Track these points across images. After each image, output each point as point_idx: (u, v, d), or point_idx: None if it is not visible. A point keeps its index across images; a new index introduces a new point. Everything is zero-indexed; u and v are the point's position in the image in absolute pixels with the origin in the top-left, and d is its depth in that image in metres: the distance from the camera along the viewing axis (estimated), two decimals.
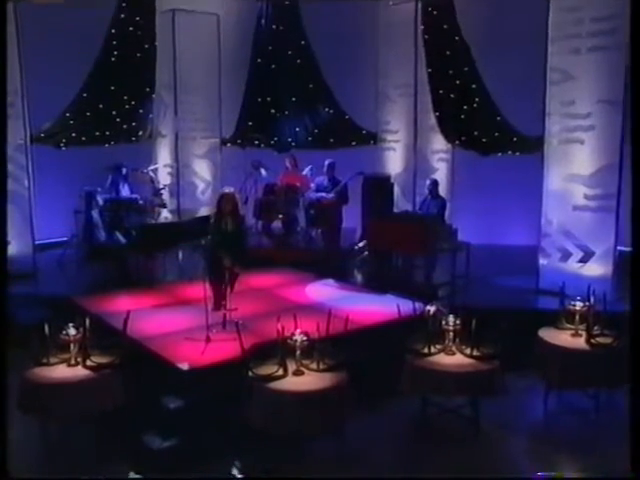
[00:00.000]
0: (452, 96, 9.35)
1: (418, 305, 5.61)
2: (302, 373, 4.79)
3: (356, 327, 5.68)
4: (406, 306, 5.66)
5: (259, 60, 10.42)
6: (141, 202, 9.16)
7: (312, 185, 9.44)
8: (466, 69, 9.26)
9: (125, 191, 9.28)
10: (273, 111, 10.51)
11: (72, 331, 4.96)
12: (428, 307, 5.50)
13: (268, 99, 10.49)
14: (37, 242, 8.59)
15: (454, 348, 5.22)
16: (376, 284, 7.58)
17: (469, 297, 7.25)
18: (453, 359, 5.16)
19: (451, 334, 5.22)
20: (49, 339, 4.93)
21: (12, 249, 7.91)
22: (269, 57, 10.34)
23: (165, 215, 10.08)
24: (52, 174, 8.94)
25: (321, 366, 4.82)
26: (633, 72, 4.73)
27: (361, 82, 10.07)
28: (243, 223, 6.43)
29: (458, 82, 9.30)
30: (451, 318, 5.23)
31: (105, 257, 8.25)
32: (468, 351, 5.15)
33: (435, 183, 8.62)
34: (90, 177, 9.01)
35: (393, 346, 5.30)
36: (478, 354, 5.10)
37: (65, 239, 8.94)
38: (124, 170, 9.29)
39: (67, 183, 9.04)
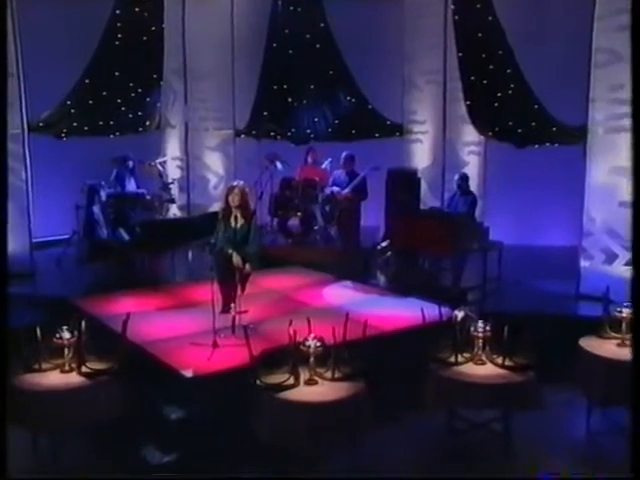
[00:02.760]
0: (485, 82, 9.21)
1: (445, 310, 5.55)
2: (315, 382, 4.71)
3: (376, 333, 5.65)
4: (432, 311, 5.58)
5: (275, 45, 10.34)
6: (148, 197, 9.16)
7: (331, 179, 9.40)
8: (500, 52, 9.09)
9: (131, 185, 9.26)
10: (290, 100, 10.45)
11: (66, 334, 4.91)
12: (456, 312, 5.44)
13: (285, 87, 10.40)
14: (36, 240, 8.57)
15: (484, 357, 5.12)
16: (399, 287, 7.53)
17: (501, 302, 7.18)
18: (483, 369, 5.06)
19: (481, 342, 5.12)
20: (41, 343, 4.88)
21: (8, 247, 7.83)
22: (286, 41, 10.26)
23: (174, 211, 10.07)
24: (52, 166, 8.93)
25: (336, 375, 4.74)
26: (633, 72, 4.66)
27: (385, 68, 9.96)
28: (254, 219, 6.37)
29: (491, 67, 9.14)
30: (481, 324, 5.13)
31: (107, 256, 8.23)
32: (499, 361, 5.05)
33: (465, 178, 8.54)
34: (93, 170, 8.95)
35: (416, 354, 5.24)
36: (511, 364, 4.99)
37: (66, 237, 8.92)
38: (130, 163, 9.26)
39: (68, 176, 9.00)
